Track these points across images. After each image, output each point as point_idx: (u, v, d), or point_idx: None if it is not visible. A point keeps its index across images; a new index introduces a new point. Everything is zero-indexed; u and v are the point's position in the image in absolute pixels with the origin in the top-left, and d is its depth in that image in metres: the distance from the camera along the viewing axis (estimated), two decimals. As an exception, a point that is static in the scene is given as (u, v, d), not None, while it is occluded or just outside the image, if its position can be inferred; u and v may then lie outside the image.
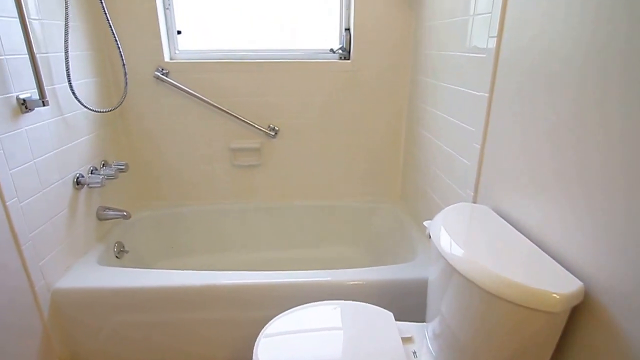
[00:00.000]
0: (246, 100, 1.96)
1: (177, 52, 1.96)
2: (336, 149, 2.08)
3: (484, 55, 1.13)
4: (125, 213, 1.79)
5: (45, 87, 1.36)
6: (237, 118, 1.93)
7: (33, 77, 1.29)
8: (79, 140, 1.63)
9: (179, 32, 1.95)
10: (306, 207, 2.16)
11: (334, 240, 2.20)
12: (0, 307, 1.22)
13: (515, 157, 1.00)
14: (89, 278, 1.49)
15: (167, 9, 1.89)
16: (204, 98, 1.89)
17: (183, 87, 1.88)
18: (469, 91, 1.25)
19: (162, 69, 1.89)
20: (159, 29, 1.84)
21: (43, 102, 1.31)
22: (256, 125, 1.95)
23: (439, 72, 1.54)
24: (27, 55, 1.26)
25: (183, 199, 2.16)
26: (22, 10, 1.22)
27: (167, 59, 1.91)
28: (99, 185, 1.63)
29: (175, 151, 2.06)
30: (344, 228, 2.19)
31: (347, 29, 1.93)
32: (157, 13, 1.81)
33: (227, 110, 1.92)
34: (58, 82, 1.49)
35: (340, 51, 1.94)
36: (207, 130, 2.02)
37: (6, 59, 1.23)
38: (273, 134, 1.98)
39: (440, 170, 1.54)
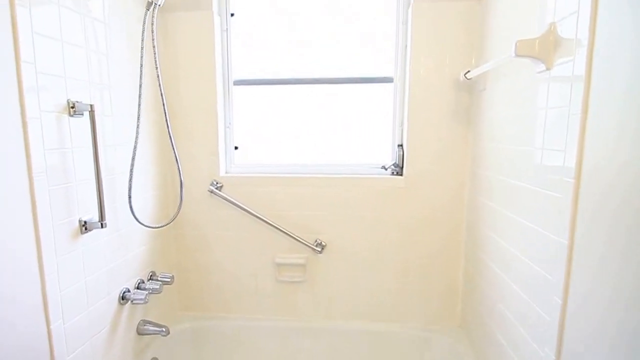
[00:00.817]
0: (294, 214, 1.94)
1: (232, 166, 2.04)
2: (387, 268, 1.95)
3: (560, 196, 1.02)
4: (164, 329, 1.72)
5: (106, 208, 1.42)
6: (284, 232, 1.90)
7: (97, 201, 1.35)
8: (130, 255, 1.65)
9: (235, 148, 2.06)
10: (352, 331, 1.97)
11: (383, 370, 1.95)
12: None
13: (605, 322, 0.82)
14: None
15: (228, 127, 2.02)
16: (253, 212, 1.90)
17: (234, 201, 1.91)
18: (543, 231, 1.11)
19: (217, 183, 1.96)
20: (218, 146, 1.95)
21: (102, 224, 1.35)
22: (302, 241, 1.90)
23: (502, 198, 1.43)
24: (94, 181, 1.34)
25: (224, 311, 2.07)
26: (96, 140, 1.33)
27: (222, 173, 1.98)
28: (143, 302, 1.60)
29: (222, 262, 2.03)
30: None
31: (400, 145, 1.93)
32: (217, 131, 1.93)
33: (274, 224, 1.90)
34: (118, 200, 1.57)
35: (392, 167, 1.91)
36: (254, 243, 1.99)
37: (76, 184, 1.31)
38: (319, 249, 1.90)
39: (509, 311, 1.34)
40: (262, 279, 2.02)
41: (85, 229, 1.35)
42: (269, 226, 1.92)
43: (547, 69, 1.06)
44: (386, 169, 1.92)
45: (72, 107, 1.27)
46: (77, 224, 1.32)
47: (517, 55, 1.07)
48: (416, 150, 1.84)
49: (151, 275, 1.81)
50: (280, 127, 2.03)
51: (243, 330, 2.02)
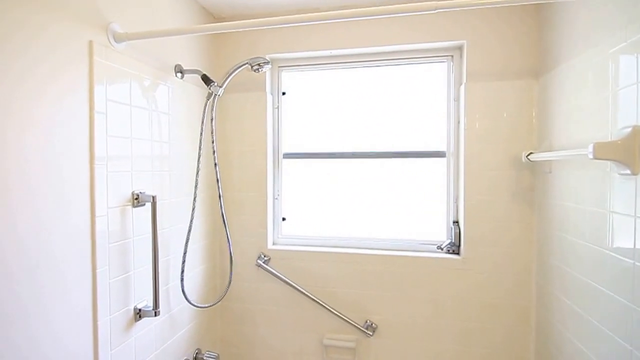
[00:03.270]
0: (344, 291, 1.87)
1: (280, 237, 2.03)
2: (445, 354, 1.80)
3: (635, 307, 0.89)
4: (208, 415, 1.66)
5: (164, 286, 1.43)
6: (332, 312, 1.82)
7: (152, 289, 1.36)
8: (179, 334, 1.63)
9: (283, 219, 2.05)
10: None
11: None
12: None
13: None
14: None
15: (276, 198, 2.03)
16: (299, 287, 1.85)
17: (281, 275, 1.87)
18: (622, 342, 0.97)
19: (264, 256, 1.94)
20: (266, 218, 1.95)
21: (155, 312, 1.35)
22: (352, 322, 1.81)
23: (578, 297, 1.29)
24: (151, 268, 1.35)
25: (268, 391, 1.98)
26: (156, 229, 1.35)
27: (269, 245, 1.97)
28: (188, 388, 1.56)
29: (267, 338, 1.97)
30: None
31: (456, 222, 1.84)
32: (266, 203, 1.94)
33: (322, 302, 1.83)
34: (171, 281, 1.57)
35: (448, 245, 1.82)
36: (301, 321, 1.92)
37: (134, 273, 1.33)
38: (370, 333, 1.80)
39: None
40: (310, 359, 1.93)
41: (139, 316, 1.35)
42: (317, 304, 1.85)
43: (634, 174, 0.97)
44: (441, 249, 1.82)
45: (137, 199, 1.31)
46: (132, 312, 1.33)
47: (594, 158, 0.99)
48: (473, 230, 1.74)
49: (197, 354, 1.78)
50: (329, 200, 2.01)
51: (287, 415, 1.90)
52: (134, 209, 1.32)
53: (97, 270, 1.16)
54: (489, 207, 1.71)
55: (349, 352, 1.86)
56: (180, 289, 1.56)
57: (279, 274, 1.87)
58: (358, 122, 1.95)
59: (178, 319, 1.63)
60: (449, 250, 1.82)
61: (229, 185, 1.97)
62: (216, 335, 1.98)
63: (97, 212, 1.15)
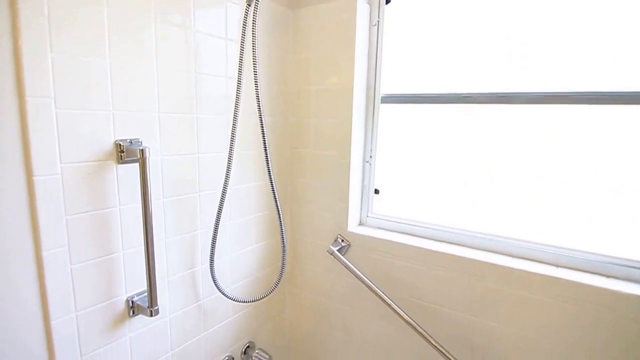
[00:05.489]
0: (450, 313, 1.18)
1: (368, 217, 1.42)
2: None
3: None
4: None
5: (186, 271, 1.05)
6: (426, 338, 1.16)
7: (146, 280, 0.97)
8: (213, 329, 1.26)
9: (376, 192, 1.42)
10: None
11: None
12: None
13: None
14: None
15: (367, 162, 1.40)
16: (385, 297, 1.24)
17: (360, 274, 1.28)
18: None
19: (342, 240, 1.38)
20: (350, 188, 1.35)
21: (151, 311, 0.96)
22: (445, 353, 1.12)
23: None
24: (144, 252, 0.95)
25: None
26: (146, 189, 0.94)
27: (352, 227, 1.39)
28: (214, 401, 1.20)
29: (341, 346, 1.46)
30: None
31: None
32: (350, 167, 1.34)
33: (417, 325, 1.18)
34: (202, 263, 1.18)
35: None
36: (381, 337, 1.34)
37: (124, 255, 0.96)
38: None
39: None
40: (389, 393, 1.36)
41: (134, 312, 1.00)
42: (406, 323, 1.21)
43: None
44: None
45: (122, 152, 0.90)
46: (122, 306, 0.98)
47: None
48: None
49: (247, 348, 1.41)
50: (450, 170, 1.28)
51: None
52: (119, 166, 0.91)
53: (44, 253, 0.80)
54: None
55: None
56: (210, 274, 1.16)
57: (359, 272, 1.29)
58: (506, 47, 1.11)
59: (214, 309, 1.25)
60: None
61: (297, 139, 1.44)
62: (283, 323, 1.57)
63: (38, 170, 0.77)
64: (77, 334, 0.88)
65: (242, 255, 1.32)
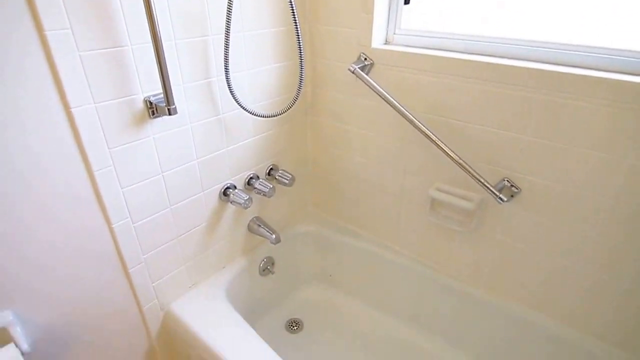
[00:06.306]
0: (477, 128, 1.14)
1: (396, 34, 1.29)
2: (597, 253, 1.03)
3: None
4: (274, 236, 1.43)
5: (202, 80, 1.04)
6: (451, 157, 1.15)
7: (159, 76, 0.95)
8: (236, 145, 1.29)
9: (406, 2, 1.25)
10: (512, 317, 1.27)
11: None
12: (108, 325, 1.13)
13: None
14: (201, 309, 1.26)
15: (398, -38, 1.20)
16: (409, 113, 1.19)
17: (385, 92, 1.22)
18: None
19: (365, 59, 1.28)
20: (376, -4, 1.20)
21: (169, 110, 0.96)
22: (480, 177, 1.13)
23: None
24: (152, 45, 0.90)
25: (357, 225, 1.65)
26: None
27: (377, 43, 1.27)
28: (242, 206, 1.29)
29: (361, 170, 1.50)
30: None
31: None
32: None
33: (439, 141, 1.16)
34: (218, 74, 1.14)
35: None
36: (405, 156, 1.35)
37: (132, 49, 0.92)
38: (505, 198, 1.11)
39: None
40: (408, 208, 1.43)
41: (153, 113, 1.00)
42: (431, 140, 1.19)
43: None
44: None
45: None
46: (140, 105, 0.98)
47: None
48: None
49: (270, 169, 1.47)
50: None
51: (373, 259, 1.57)
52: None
53: (47, 32, 0.76)
54: None
55: (462, 213, 1.27)
56: (227, 85, 1.13)
57: (382, 90, 1.22)
58: None
59: (236, 127, 1.26)
60: None
61: None
62: (304, 153, 1.61)
63: None
64: (99, 124, 0.90)
65: (260, 74, 1.27)
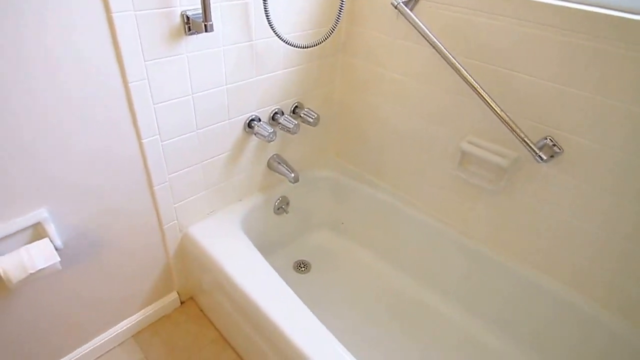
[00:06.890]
0: (525, 79, 1.08)
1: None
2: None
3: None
4: (293, 174, 1.45)
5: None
6: (492, 107, 1.11)
7: (199, -11, 0.92)
8: (267, 75, 1.27)
9: (460, -62, 1.17)
10: (535, 286, 1.29)
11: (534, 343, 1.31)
12: (130, 236, 1.19)
13: None
14: (217, 235, 1.31)
15: None
16: (454, 60, 1.13)
17: (427, 31, 1.15)
18: None
19: (410, -5, 1.22)
20: None
21: (206, 26, 0.94)
22: (518, 132, 1.09)
23: None
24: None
25: (378, 177, 1.65)
26: None
27: (422, -20, 1.21)
28: (266, 139, 1.30)
29: (390, 117, 1.48)
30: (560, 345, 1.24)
31: None
32: None
33: (482, 91, 1.11)
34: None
35: None
36: (440, 105, 1.31)
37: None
38: (544, 157, 1.08)
39: None
40: (435, 161, 1.40)
41: (189, 29, 0.98)
42: (471, 87, 1.14)
43: None
44: None
45: None
46: (177, 20, 0.96)
47: None
48: None
49: (295, 107, 1.46)
50: None
51: (390, 211, 1.59)
52: None
53: None
54: None
55: (493, 170, 1.25)
56: (263, 6, 1.09)
57: (426, 29, 1.16)
58: None
59: (266, 55, 1.23)
60: None
61: None
62: (331, 95, 1.58)
63: None
64: (137, 34, 0.89)
65: (297, 1, 1.22)
